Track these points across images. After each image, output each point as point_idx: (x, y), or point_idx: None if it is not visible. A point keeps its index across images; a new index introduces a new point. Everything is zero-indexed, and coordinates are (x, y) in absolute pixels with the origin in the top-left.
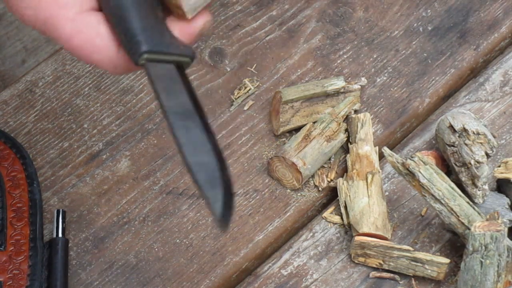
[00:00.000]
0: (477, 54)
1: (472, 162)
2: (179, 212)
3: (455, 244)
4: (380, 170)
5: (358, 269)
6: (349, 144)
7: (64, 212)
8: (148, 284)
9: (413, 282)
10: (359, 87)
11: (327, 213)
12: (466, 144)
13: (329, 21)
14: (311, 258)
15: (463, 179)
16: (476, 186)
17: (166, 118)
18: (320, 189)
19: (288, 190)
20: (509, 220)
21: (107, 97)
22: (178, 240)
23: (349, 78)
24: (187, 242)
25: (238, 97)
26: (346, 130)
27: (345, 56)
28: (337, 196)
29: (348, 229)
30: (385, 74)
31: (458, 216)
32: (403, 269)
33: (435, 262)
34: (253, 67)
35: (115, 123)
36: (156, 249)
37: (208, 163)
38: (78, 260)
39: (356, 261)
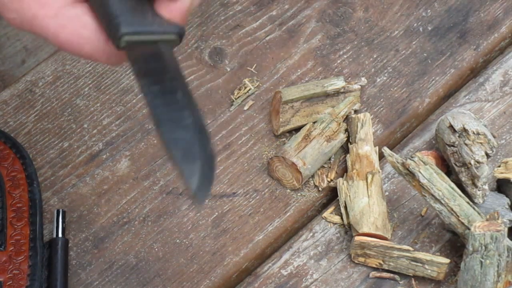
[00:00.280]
0: (477, 54)
1: (472, 162)
2: (179, 212)
3: (455, 244)
4: (380, 170)
5: (358, 269)
6: (349, 144)
7: (64, 212)
8: (148, 284)
9: (413, 282)
10: (359, 87)
11: (327, 213)
12: (466, 144)
13: (329, 21)
14: (311, 258)
15: (463, 179)
16: (476, 186)
17: (144, 98)
18: (320, 189)
19: (288, 190)
20: (509, 220)
21: (107, 97)
22: (178, 240)
23: (349, 78)
24: (187, 242)
25: (238, 97)
26: (346, 130)
27: (345, 56)
28: (337, 196)
29: (348, 229)
30: (385, 74)
31: (458, 216)
32: (403, 269)
33: (435, 262)
34: (253, 67)
35: (115, 123)
36: (156, 249)
37: (186, 139)
38: (78, 260)
39: (356, 261)
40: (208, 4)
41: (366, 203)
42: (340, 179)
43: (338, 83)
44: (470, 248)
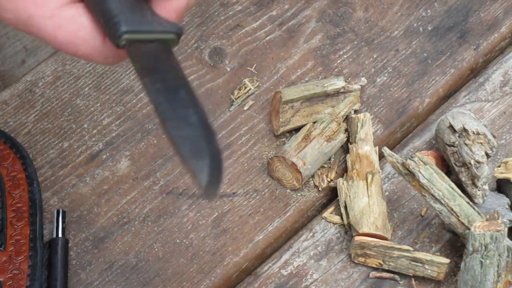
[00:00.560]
0: (477, 54)
1: (472, 162)
2: (179, 212)
3: (455, 244)
4: (380, 170)
5: (358, 269)
6: (349, 144)
7: (64, 212)
8: (148, 284)
9: (413, 282)
10: (359, 87)
11: (327, 213)
12: (466, 144)
13: (329, 21)
14: (311, 258)
15: (463, 179)
16: (476, 186)
17: (148, 96)
18: (320, 189)
19: (288, 190)
20: (509, 220)
21: (107, 97)
22: (178, 240)
23: (349, 78)
24: (187, 242)
25: (238, 97)
26: (346, 130)
27: (345, 56)
28: (337, 196)
29: (348, 229)
30: (385, 74)
31: (458, 216)
32: (403, 269)
33: (435, 262)
34: (253, 67)
35: (115, 123)
36: (156, 249)
37: (193, 136)
38: (78, 260)
39: (356, 261)
40: (208, 4)
41: (366, 203)
42: (340, 179)
43: (338, 83)
44: (470, 248)
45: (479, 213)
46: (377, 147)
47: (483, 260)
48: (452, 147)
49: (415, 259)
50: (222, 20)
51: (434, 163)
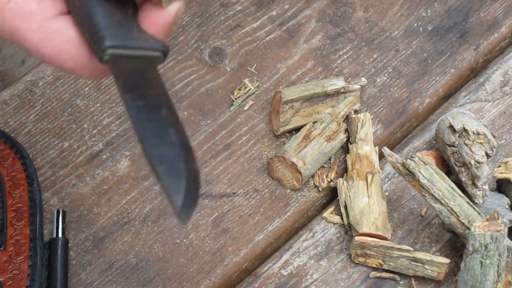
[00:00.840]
0: (477, 54)
1: (472, 162)
2: None
3: (455, 244)
4: (380, 170)
5: (358, 269)
6: (349, 144)
7: (64, 212)
8: (148, 284)
9: (413, 282)
10: (359, 87)
11: (327, 213)
12: (466, 144)
13: (329, 21)
14: (311, 258)
15: (463, 179)
16: (476, 186)
17: (128, 113)
18: (320, 189)
19: (288, 190)
20: (509, 220)
21: (107, 97)
22: (178, 240)
23: (349, 78)
24: (187, 242)
25: (238, 97)
26: (346, 130)
27: (345, 56)
28: (337, 196)
29: (348, 229)
30: (385, 74)
31: (458, 216)
32: (403, 269)
33: (435, 262)
34: (253, 67)
35: (115, 123)
36: (156, 249)
37: (170, 155)
38: (78, 260)
39: (356, 261)
40: (208, 4)
41: (366, 203)
42: (340, 179)
43: (338, 83)
44: (470, 248)
45: (479, 213)
46: (377, 147)
47: (483, 260)
48: (452, 147)
49: (415, 259)
50: (222, 20)
51: (434, 163)
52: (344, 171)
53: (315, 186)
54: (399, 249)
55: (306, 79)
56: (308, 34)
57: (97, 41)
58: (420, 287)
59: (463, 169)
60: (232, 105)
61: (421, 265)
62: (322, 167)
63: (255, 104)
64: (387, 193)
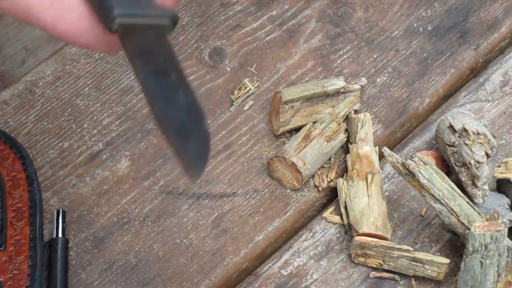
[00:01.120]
0: (477, 54)
1: (472, 162)
2: (179, 212)
3: (455, 244)
4: (380, 170)
5: (358, 269)
6: (349, 144)
7: (64, 212)
8: (148, 284)
9: (413, 282)
10: (359, 87)
11: (327, 213)
12: (466, 144)
13: (329, 21)
14: (311, 258)
15: (463, 179)
16: (476, 186)
17: (138, 78)
18: (320, 189)
19: (288, 190)
20: (509, 220)
21: (107, 97)
22: (178, 240)
23: (349, 78)
24: (187, 242)
25: (238, 97)
26: (346, 130)
27: (345, 56)
28: (337, 196)
29: (348, 229)
30: (385, 74)
31: (458, 216)
32: (403, 269)
33: (435, 262)
34: (253, 67)
35: (115, 123)
36: (156, 249)
37: (180, 117)
38: (78, 260)
39: (356, 261)
40: (208, 4)
41: (366, 203)
42: (340, 179)
43: (338, 83)
44: (470, 248)
45: (479, 213)
46: (377, 147)
47: (483, 260)
48: (452, 147)
49: (415, 259)
50: (222, 20)
51: (434, 163)
52: (344, 171)
53: (315, 186)
54: (399, 249)
55: (306, 79)
56: (308, 34)
57: (106, 11)
58: (420, 287)
59: (463, 169)
60: (232, 105)
61: (421, 265)
62: (322, 167)
63: (255, 104)
64: (387, 193)
